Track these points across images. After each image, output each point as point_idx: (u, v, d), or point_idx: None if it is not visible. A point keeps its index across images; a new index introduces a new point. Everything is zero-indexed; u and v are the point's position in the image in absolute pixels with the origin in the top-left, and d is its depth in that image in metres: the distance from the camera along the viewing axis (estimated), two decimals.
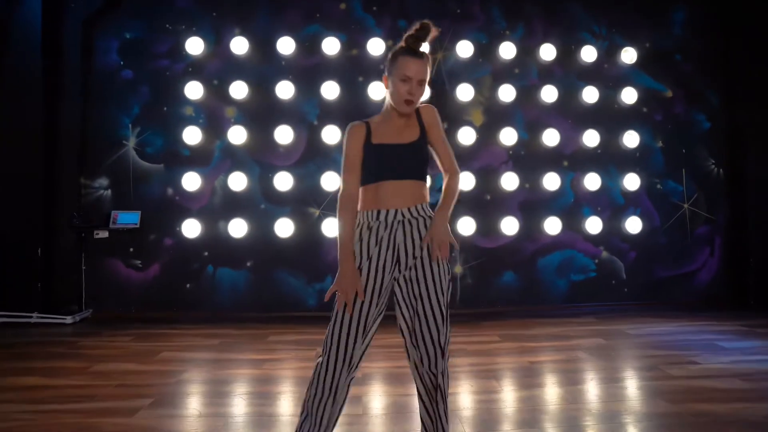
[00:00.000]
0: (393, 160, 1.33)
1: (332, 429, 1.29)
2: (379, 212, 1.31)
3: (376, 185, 1.33)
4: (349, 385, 1.29)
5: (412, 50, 1.31)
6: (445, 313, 1.29)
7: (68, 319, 3.69)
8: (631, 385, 2.32)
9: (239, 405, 2.13)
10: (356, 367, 1.28)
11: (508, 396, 2.19)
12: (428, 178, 1.43)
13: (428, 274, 1.30)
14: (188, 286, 3.98)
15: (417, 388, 1.35)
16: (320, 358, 1.27)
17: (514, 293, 4.17)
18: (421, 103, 1.37)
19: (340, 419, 1.34)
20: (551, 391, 2.24)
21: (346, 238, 1.31)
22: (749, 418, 1.89)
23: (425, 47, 1.35)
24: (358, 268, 1.29)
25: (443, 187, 1.41)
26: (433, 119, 1.40)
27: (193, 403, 2.14)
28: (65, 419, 1.93)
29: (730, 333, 3.27)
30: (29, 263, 3.77)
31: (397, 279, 1.32)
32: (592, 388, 2.27)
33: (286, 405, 2.11)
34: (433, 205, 1.39)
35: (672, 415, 1.92)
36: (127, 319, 3.82)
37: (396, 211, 1.30)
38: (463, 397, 2.16)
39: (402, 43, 1.34)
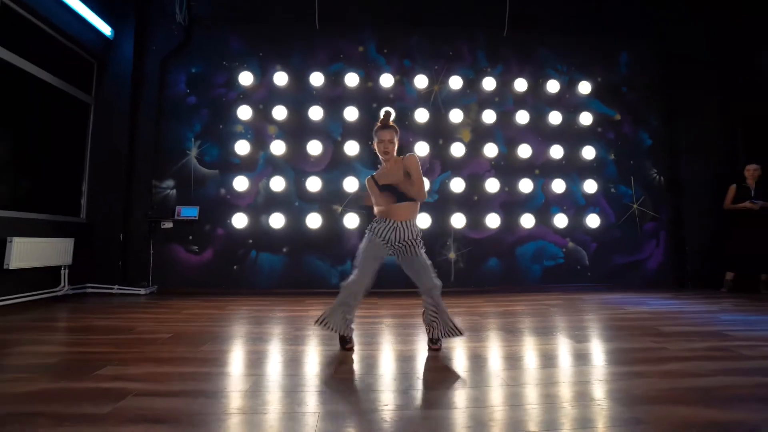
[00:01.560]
0: (390, 191, 2.30)
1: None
2: (386, 220, 2.30)
3: (389, 207, 2.31)
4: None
5: (383, 125, 2.29)
6: (425, 261, 2.29)
7: (142, 291, 4.64)
8: (577, 318, 3.27)
9: (280, 324, 3.09)
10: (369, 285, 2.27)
11: (491, 320, 3.15)
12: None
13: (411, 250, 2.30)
14: (235, 267, 4.94)
15: (425, 307, 2.30)
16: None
17: (497, 276, 5.13)
18: (406, 154, 2.33)
19: (358, 326, 2.33)
20: (525, 319, 3.19)
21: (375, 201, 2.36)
22: (636, 325, 2.87)
23: (391, 122, 2.34)
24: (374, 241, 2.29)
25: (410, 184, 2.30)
26: (410, 165, 2.25)
27: (250, 326, 3.09)
28: (192, 328, 2.88)
29: (661, 298, 4.25)
30: (112, 247, 4.74)
31: (394, 252, 2.32)
32: (552, 319, 3.22)
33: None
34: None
35: (591, 325, 2.90)
36: (186, 293, 4.75)
37: (393, 221, 2.29)
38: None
39: (378, 123, 2.32)
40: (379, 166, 2.42)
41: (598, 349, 2.26)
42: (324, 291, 4.88)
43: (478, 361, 2.10)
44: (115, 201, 4.80)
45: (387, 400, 1.58)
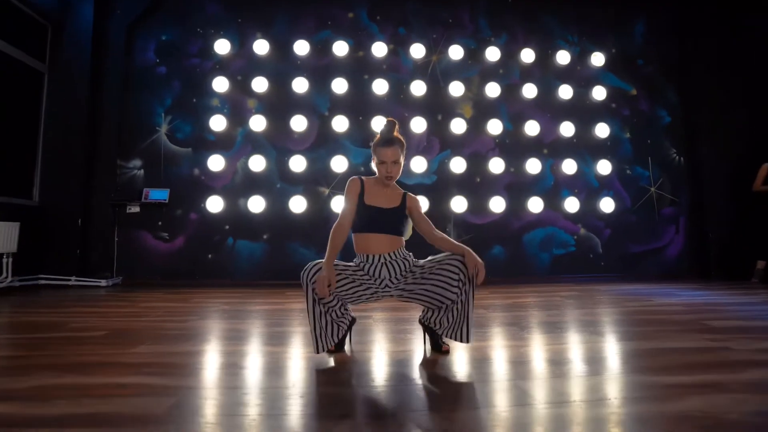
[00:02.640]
0: (383, 218, 1.71)
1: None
2: (367, 256, 1.70)
3: (366, 235, 1.71)
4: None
5: (384, 140, 1.69)
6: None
7: (103, 282, 4.11)
8: (599, 311, 2.77)
9: (259, 323, 2.57)
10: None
11: (498, 314, 2.65)
12: (405, 235, 1.77)
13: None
14: (210, 256, 4.42)
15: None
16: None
17: (502, 265, 4.63)
18: (408, 195, 1.79)
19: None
20: (537, 312, 2.69)
21: (330, 255, 1.62)
22: (680, 320, 2.37)
23: (395, 136, 1.72)
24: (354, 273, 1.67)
25: (443, 238, 1.73)
26: (414, 206, 1.77)
27: (228, 319, 2.58)
28: (136, 324, 2.37)
29: (688, 289, 3.76)
30: (69, 233, 4.20)
31: (390, 292, 1.72)
32: (570, 312, 2.73)
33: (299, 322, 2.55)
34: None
35: (623, 319, 2.40)
36: (154, 284, 4.23)
37: (379, 255, 1.69)
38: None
39: (378, 137, 1.73)
40: (368, 179, 1.79)
41: (644, 350, 1.75)
42: None
43: (486, 366, 1.59)
44: (73, 182, 4.27)
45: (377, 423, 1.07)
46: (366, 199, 1.73)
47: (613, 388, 1.31)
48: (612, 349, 1.80)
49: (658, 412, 1.11)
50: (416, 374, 1.47)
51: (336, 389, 1.33)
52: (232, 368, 1.56)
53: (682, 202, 4.92)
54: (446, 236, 1.77)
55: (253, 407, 1.17)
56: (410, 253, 1.77)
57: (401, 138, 1.74)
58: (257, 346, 1.89)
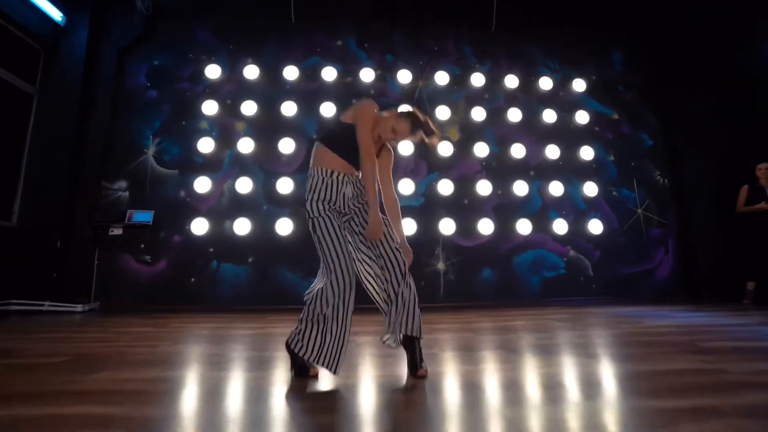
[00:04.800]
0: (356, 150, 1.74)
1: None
2: (332, 172, 1.70)
3: (336, 156, 1.73)
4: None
5: (416, 127, 1.72)
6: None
7: (78, 308, 3.95)
8: (591, 333, 2.69)
9: (242, 348, 2.46)
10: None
11: (484, 338, 2.55)
12: None
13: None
14: (193, 280, 4.30)
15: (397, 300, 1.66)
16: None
17: (492, 288, 4.55)
18: (389, 148, 1.85)
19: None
20: (524, 335, 2.59)
21: (374, 199, 1.69)
22: (672, 341, 2.30)
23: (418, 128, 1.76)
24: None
25: (396, 210, 1.82)
26: (386, 157, 1.84)
27: (205, 344, 2.46)
28: (102, 349, 2.25)
29: (679, 311, 3.69)
30: (47, 256, 4.08)
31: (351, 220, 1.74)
32: (561, 335, 2.64)
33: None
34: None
35: (616, 342, 2.32)
36: (134, 310, 4.07)
37: (343, 174, 1.71)
38: (445, 339, 2.52)
39: (420, 119, 1.73)
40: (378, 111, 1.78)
41: (636, 373, 1.67)
42: (295, 307, 4.23)
43: (473, 392, 1.50)
44: (55, 203, 4.19)
45: None
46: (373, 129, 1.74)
47: (606, 415, 1.23)
48: (604, 372, 1.72)
49: None
50: (399, 402, 1.38)
51: (318, 418, 1.24)
52: (200, 396, 1.46)
53: (670, 224, 4.93)
54: (398, 209, 1.83)
55: None
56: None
57: (420, 135, 1.76)
58: (231, 372, 1.78)
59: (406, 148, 4.70)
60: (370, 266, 1.76)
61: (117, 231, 4.32)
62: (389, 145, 1.86)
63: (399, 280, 1.66)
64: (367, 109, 1.72)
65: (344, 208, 1.72)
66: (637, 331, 2.66)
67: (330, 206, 1.68)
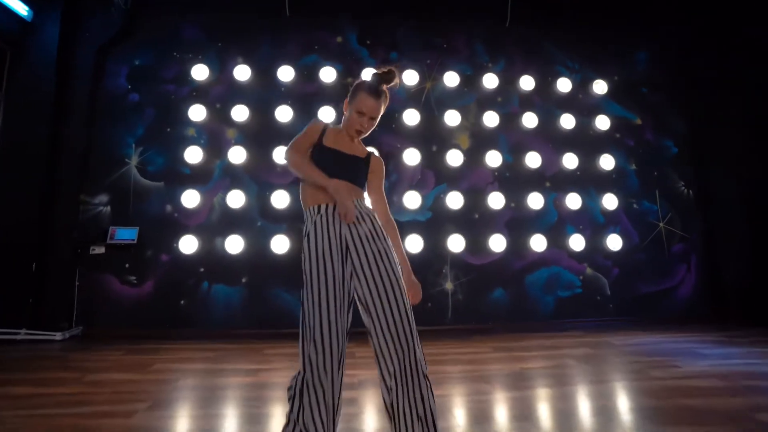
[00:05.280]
0: (343, 165, 1.45)
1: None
2: (319, 207, 1.40)
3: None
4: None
5: (373, 89, 1.45)
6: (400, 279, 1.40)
7: (58, 336, 3.65)
8: (618, 386, 2.41)
9: (235, 406, 2.16)
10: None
11: (500, 396, 2.27)
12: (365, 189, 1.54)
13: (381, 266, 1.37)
14: (182, 302, 3.99)
15: (391, 389, 1.30)
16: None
17: (503, 309, 4.26)
18: (374, 154, 1.57)
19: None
20: (542, 392, 2.32)
21: (319, 173, 1.40)
22: (725, 410, 2.01)
23: (385, 88, 1.50)
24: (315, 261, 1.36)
25: (394, 231, 1.49)
26: (378, 169, 1.54)
27: (190, 406, 2.16)
28: (62, 421, 1.94)
29: (710, 342, 3.41)
30: (22, 278, 3.75)
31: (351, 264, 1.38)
32: (581, 389, 2.36)
33: (281, 408, 2.15)
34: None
35: (656, 408, 2.03)
36: (119, 336, 3.78)
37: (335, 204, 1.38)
38: (455, 398, 2.23)
39: (367, 80, 1.49)
40: (332, 126, 1.57)
41: None
42: (292, 331, 3.93)
43: None
44: (29, 221, 3.83)
45: None
46: (325, 142, 1.49)
47: None
48: None
49: None
50: None
51: None
52: None
53: (693, 238, 4.61)
54: (396, 231, 1.51)
55: None
56: (374, 212, 1.47)
57: (387, 92, 1.50)
58: None
59: (411, 157, 4.32)
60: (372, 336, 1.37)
61: (99, 250, 3.98)
62: (377, 155, 1.56)
63: (410, 373, 1.28)
64: (310, 123, 1.55)
65: (348, 255, 1.37)
66: (675, 385, 2.36)
67: (328, 256, 1.35)
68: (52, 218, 3.93)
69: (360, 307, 1.40)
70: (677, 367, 2.71)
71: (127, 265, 4.00)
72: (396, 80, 1.50)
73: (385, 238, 1.42)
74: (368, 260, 1.37)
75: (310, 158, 1.47)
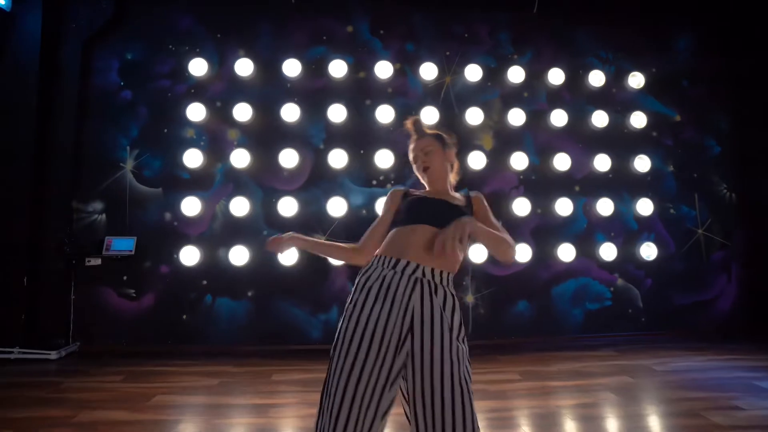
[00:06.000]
0: (427, 210, 1.30)
1: None
2: (392, 260, 1.19)
3: (404, 229, 1.27)
4: None
5: (413, 136, 1.53)
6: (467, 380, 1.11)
7: (53, 355, 3.42)
8: None
9: None
10: None
11: None
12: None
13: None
14: (185, 317, 3.74)
15: None
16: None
17: (528, 323, 3.97)
18: (473, 193, 1.49)
19: None
20: None
21: (320, 244, 1.50)
22: None
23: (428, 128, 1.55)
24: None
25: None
26: (481, 207, 1.46)
27: None
28: None
29: (765, 369, 3.10)
30: (13, 293, 3.50)
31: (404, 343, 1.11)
32: None
33: None
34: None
35: None
36: (118, 354, 3.54)
37: (416, 265, 1.16)
38: None
39: (410, 125, 1.56)
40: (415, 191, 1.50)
41: None
42: (302, 348, 3.70)
43: None
44: (17, 231, 3.56)
45: None
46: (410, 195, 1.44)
47: None
48: None
49: None
50: None
51: None
52: None
53: (734, 246, 4.26)
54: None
55: None
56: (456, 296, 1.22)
57: (436, 132, 1.53)
58: None
59: None
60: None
61: (94, 262, 3.71)
62: (476, 194, 1.49)
63: None
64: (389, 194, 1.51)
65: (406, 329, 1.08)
66: (730, 423, 2.06)
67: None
68: (42, 228, 3.65)
69: (402, 399, 1.10)
70: (738, 408, 2.40)
71: (124, 278, 3.74)
72: (421, 124, 1.56)
73: (451, 324, 1.15)
74: (431, 356, 1.05)
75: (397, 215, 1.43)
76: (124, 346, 3.66)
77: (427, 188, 1.48)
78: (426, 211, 1.26)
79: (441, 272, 1.18)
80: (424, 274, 1.14)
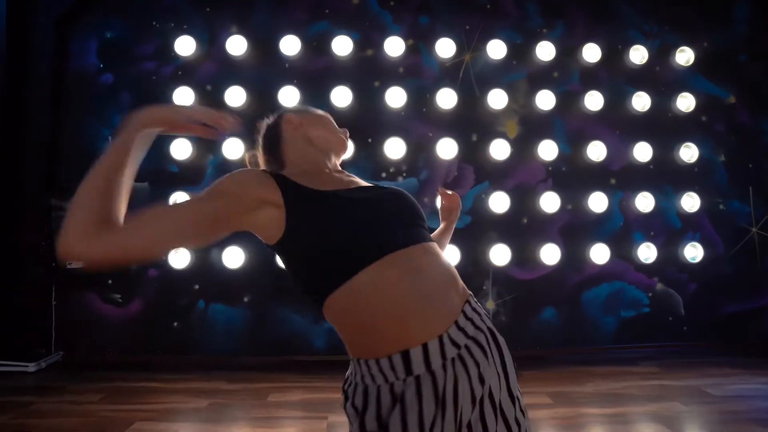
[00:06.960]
0: (381, 207, 0.95)
1: None
2: (409, 365, 0.77)
3: (379, 265, 0.81)
4: None
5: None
6: None
7: (31, 367, 3.13)
8: None
9: None
10: None
11: None
12: None
13: None
14: (175, 324, 3.41)
15: None
16: None
17: (555, 333, 3.57)
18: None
19: None
20: None
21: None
22: None
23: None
24: None
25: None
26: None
27: None
28: None
29: None
30: None
31: None
32: None
33: None
34: None
35: None
36: (102, 365, 3.25)
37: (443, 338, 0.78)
38: None
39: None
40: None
41: None
42: (303, 359, 3.36)
43: None
44: None
45: None
46: (312, 185, 0.87)
47: None
48: None
49: None
50: None
51: None
52: None
53: None
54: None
55: None
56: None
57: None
58: None
59: (446, 149, 3.52)
60: None
61: (76, 264, 3.37)
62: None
63: None
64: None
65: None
66: None
67: None
68: (16, 228, 3.32)
69: None
70: None
71: (110, 281, 3.42)
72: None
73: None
74: None
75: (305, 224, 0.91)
76: (110, 356, 3.36)
77: (329, 166, 1.07)
78: (389, 214, 0.87)
79: (469, 302, 0.83)
80: (458, 340, 0.74)
